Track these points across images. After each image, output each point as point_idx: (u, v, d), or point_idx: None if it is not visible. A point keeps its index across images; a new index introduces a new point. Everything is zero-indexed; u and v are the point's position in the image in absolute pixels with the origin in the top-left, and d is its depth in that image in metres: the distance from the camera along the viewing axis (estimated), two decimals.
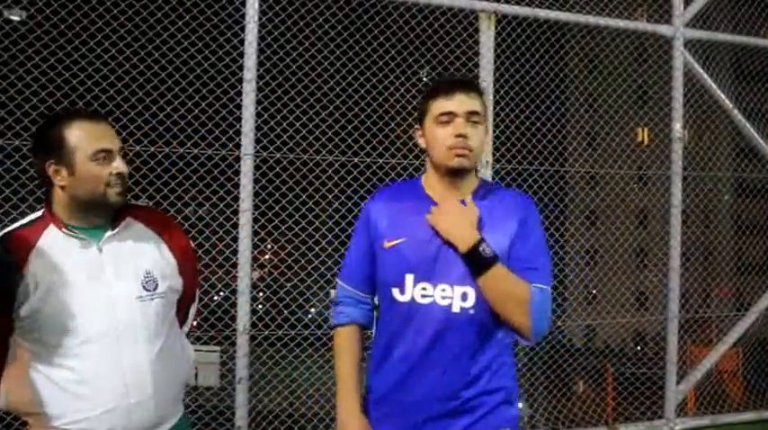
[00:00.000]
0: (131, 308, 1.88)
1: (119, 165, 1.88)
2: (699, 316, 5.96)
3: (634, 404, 5.94)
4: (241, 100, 3.91)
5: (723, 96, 5.09)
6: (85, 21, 4.11)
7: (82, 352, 1.83)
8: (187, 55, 4.33)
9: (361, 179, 4.52)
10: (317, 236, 5.05)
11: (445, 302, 1.90)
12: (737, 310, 5.50)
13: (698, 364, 5.02)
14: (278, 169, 4.63)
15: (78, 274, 1.85)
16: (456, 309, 1.90)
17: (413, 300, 1.92)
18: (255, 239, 4.09)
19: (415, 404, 1.93)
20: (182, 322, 2.11)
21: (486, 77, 4.40)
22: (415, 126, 2.05)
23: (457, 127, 1.92)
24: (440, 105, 1.94)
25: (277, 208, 4.66)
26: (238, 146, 3.92)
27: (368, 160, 4.42)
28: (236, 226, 3.90)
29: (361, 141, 4.65)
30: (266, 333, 4.28)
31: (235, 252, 3.90)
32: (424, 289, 1.92)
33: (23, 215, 2.00)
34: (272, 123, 4.60)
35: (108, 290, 1.87)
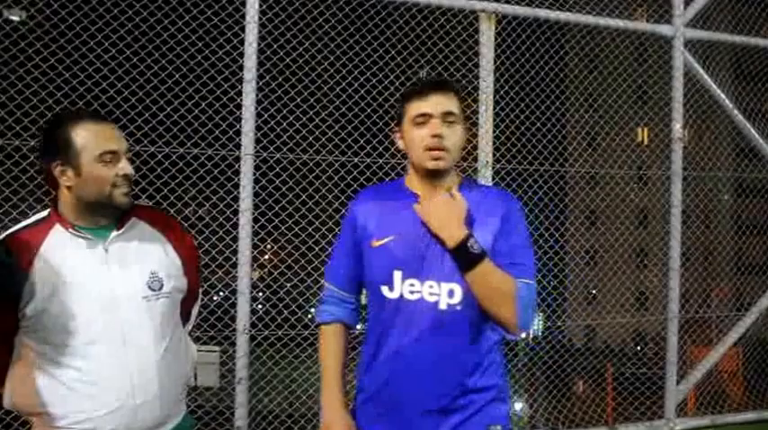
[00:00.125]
0: (137, 308, 1.90)
1: (125, 166, 1.89)
2: (699, 316, 5.96)
3: (634, 404, 5.94)
4: (241, 100, 3.91)
5: (723, 96, 5.09)
6: (85, 21, 4.11)
7: (88, 351, 1.84)
8: (187, 55, 4.33)
9: (361, 179, 4.52)
10: (316, 236, 5.05)
11: (433, 299, 1.92)
12: (737, 310, 5.50)
13: (698, 364, 5.02)
14: (278, 169, 4.63)
15: (84, 274, 1.86)
16: (443, 305, 1.92)
17: (401, 296, 1.94)
18: (255, 239, 4.09)
19: (405, 402, 1.94)
20: (184, 321, 2.12)
21: (486, 77, 4.40)
22: (395, 128, 2.07)
23: (432, 127, 1.94)
24: (415, 107, 1.96)
25: (277, 208, 4.66)
26: (238, 146, 3.92)
27: (368, 160, 4.42)
28: (236, 226, 3.90)
29: (361, 141, 4.65)
30: (266, 333, 4.28)
31: (235, 252, 3.90)
32: (412, 285, 1.93)
33: (23, 215, 2.01)
34: (272, 123, 4.60)
35: (114, 290, 1.88)
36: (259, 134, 4.02)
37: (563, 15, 4.68)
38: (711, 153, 6.24)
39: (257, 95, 3.94)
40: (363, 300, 2.13)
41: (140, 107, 4.24)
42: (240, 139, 3.91)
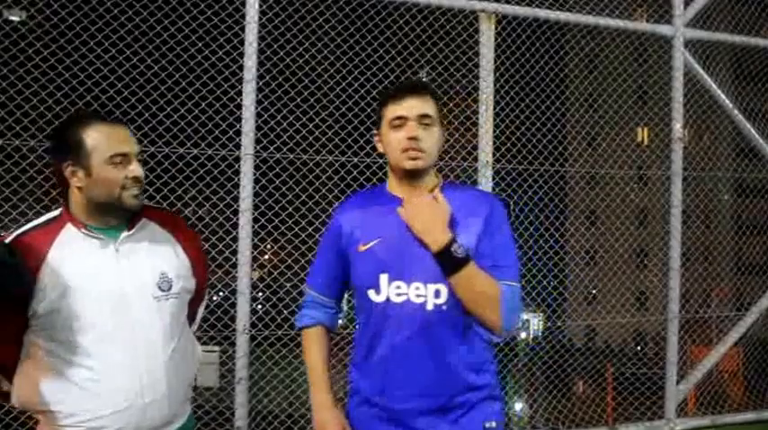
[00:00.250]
0: (148, 307, 1.91)
1: (135, 168, 1.90)
2: (699, 316, 5.96)
3: (634, 404, 5.94)
4: (241, 100, 3.91)
5: (723, 96, 5.09)
6: (86, 21, 4.11)
7: (98, 350, 1.85)
8: (187, 55, 4.33)
9: (361, 179, 4.52)
10: (317, 236, 5.05)
11: (419, 300, 1.94)
12: (737, 310, 5.50)
13: (698, 364, 5.02)
14: (278, 169, 4.62)
15: (95, 274, 1.87)
16: (430, 306, 1.94)
17: (388, 299, 1.96)
18: (255, 239, 4.09)
19: (400, 403, 1.96)
20: (190, 322, 2.14)
21: (486, 77, 4.40)
22: (374, 132, 2.09)
23: (409, 130, 1.96)
24: (392, 110, 1.99)
25: (277, 208, 4.65)
26: (238, 146, 3.92)
27: (368, 160, 4.42)
28: (236, 226, 3.90)
29: (361, 141, 4.65)
30: (266, 333, 4.28)
31: (235, 252, 3.89)
32: (398, 287, 1.95)
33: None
34: (272, 123, 4.60)
35: (124, 289, 1.89)
36: (259, 134, 4.02)
37: (563, 15, 4.68)
38: (711, 153, 6.24)
39: (257, 95, 3.93)
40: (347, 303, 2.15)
41: (140, 107, 4.24)
42: (240, 139, 3.91)
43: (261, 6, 3.98)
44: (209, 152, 4.11)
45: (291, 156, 4.56)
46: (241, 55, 3.95)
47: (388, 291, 1.95)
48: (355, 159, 4.44)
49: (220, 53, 4.39)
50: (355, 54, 4.82)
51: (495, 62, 4.43)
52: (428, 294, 1.93)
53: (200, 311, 2.23)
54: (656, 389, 5.35)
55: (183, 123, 4.28)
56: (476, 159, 4.42)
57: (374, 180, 4.50)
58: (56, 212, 1.95)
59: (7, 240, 1.88)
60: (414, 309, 1.94)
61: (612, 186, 6.16)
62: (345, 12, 4.96)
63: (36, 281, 1.83)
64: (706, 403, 5.32)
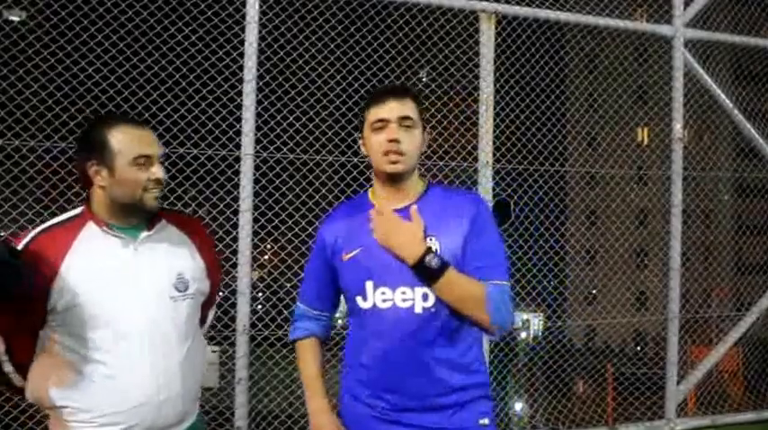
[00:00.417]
0: (165, 307, 1.95)
1: (157, 171, 1.95)
2: (699, 316, 5.96)
3: (634, 404, 5.94)
4: (241, 100, 3.91)
5: (723, 96, 5.09)
6: (85, 21, 4.11)
7: (115, 347, 1.88)
8: (187, 55, 4.33)
9: (361, 179, 4.52)
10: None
11: (406, 304, 1.96)
12: (738, 310, 5.49)
13: (698, 364, 5.02)
14: (278, 169, 4.62)
15: (115, 272, 1.91)
16: (418, 309, 1.96)
17: (374, 305, 1.99)
18: (255, 239, 4.09)
19: (390, 403, 1.98)
20: (201, 324, 2.18)
21: (486, 77, 4.40)
22: (358, 136, 2.13)
23: (389, 132, 1.99)
24: (374, 113, 2.03)
25: (277, 208, 4.65)
26: (238, 146, 3.92)
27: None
28: (236, 226, 3.90)
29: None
30: (266, 333, 4.28)
31: (235, 252, 3.89)
32: (383, 293, 1.98)
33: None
34: (272, 123, 4.60)
35: (142, 288, 1.93)
36: (259, 134, 4.02)
37: (563, 15, 4.68)
38: (711, 153, 6.24)
39: (257, 95, 3.93)
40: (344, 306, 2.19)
41: (140, 107, 4.24)
42: (240, 139, 3.91)
43: (261, 6, 3.98)
44: (210, 152, 4.11)
45: (291, 157, 4.56)
46: (241, 55, 3.95)
47: (374, 297, 1.99)
48: (355, 159, 4.44)
49: (220, 53, 4.39)
50: (355, 54, 4.82)
51: (495, 62, 4.43)
52: (416, 298, 1.96)
53: (211, 314, 2.27)
54: (656, 390, 5.35)
55: (183, 123, 4.28)
56: (476, 159, 4.42)
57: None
58: (77, 210, 1.99)
59: (29, 236, 1.91)
60: (401, 314, 1.96)
61: (612, 186, 6.16)
62: (345, 12, 4.96)
63: (51, 279, 1.85)
64: (706, 403, 5.32)
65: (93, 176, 1.93)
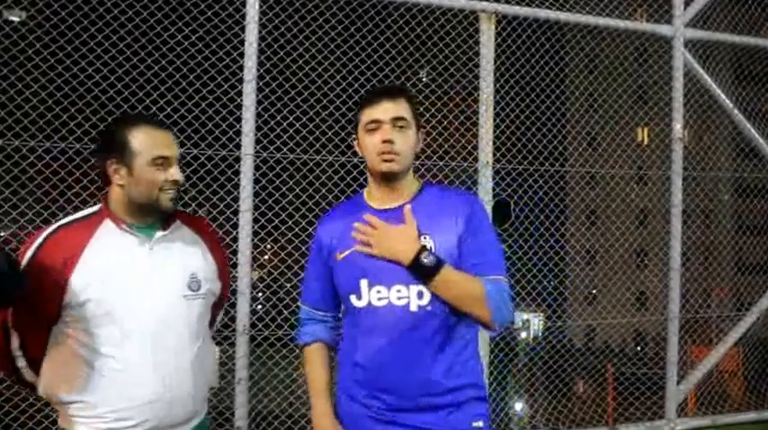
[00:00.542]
0: (178, 305, 1.98)
1: (175, 172, 1.99)
2: (699, 316, 5.96)
3: (635, 404, 5.93)
4: (241, 100, 3.91)
5: (723, 96, 5.09)
6: (85, 21, 4.11)
7: (129, 344, 1.90)
8: (187, 55, 4.33)
9: (361, 179, 4.52)
10: None
11: (401, 302, 1.97)
12: (738, 310, 5.49)
13: (698, 364, 5.02)
14: (278, 169, 4.62)
15: (130, 269, 1.94)
16: (414, 307, 1.97)
17: (369, 304, 1.99)
18: (255, 239, 4.09)
19: (386, 403, 1.98)
20: (209, 325, 2.20)
21: (486, 77, 4.40)
22: (353, 136, 2.14)
23: (383, 133, 2.00)
24: (368, 114, 2.04)
25: (277, 208, 4.65)
26: (238, 146, 3.92)
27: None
28: (236, 226, 3.90)
29: None
30: (266, 333, 4.28)
31: (235, 252, 3.89)
32: (379, 292, 1.98)
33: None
34: (272, 123, 4.60)
35: (157, 286, 1.96)
36: (259, 134, 4.02)
37: (563, 15, 4.68)
38: (711, 153, 6.24)
39: (257, 95, 3.93)
40: None
41: (140, 107, 4.24)
42: (240, 139, 3.91)
43: (261, 6, 3.98)
44: (210, 152, 4.11)
45: (291, 157, 4.55)
46: (241, 55, 3.95)
47: (369, 295, 1.99)
48: (355, 159, 4.43)
49: (220, 53, 4.39)
50: (355, 54, 4.82)
51: (495, 62, 4.43)
52: (411, 295, 1.96)
53: (219, 317, 2.29)
54: (656, 390, 5.35)
55: (183, 123, 4.27)
56: (476, 159, 4.42)
57: None
58: (95, 208, 2.04)
59: (47, 232, 1.94)
60: (396, 312, 1.96)
61: (612, 186, 6.16)
62: (345, 12, 4.95)
63: (67, 275, 1.89)
64: (706, 403, 5.32)
65: (112, 175, 1.97)
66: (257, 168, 3.97)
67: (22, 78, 4.23)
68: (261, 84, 4.07)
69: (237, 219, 3.88)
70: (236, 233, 3.88)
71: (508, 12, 4.55)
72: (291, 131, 4.64)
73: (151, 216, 2.00)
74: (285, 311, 4.53)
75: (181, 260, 2.02)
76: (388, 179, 2.05)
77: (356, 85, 4.78)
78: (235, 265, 3.87)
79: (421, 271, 1.94)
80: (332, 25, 5.24)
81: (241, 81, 3.92)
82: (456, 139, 5.42)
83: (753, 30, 5.60)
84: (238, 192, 3.89)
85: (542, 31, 4.97)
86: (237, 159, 3.92)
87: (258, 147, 3.99)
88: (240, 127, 3.91)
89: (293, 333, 4.42)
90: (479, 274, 1.97)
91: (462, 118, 5.48)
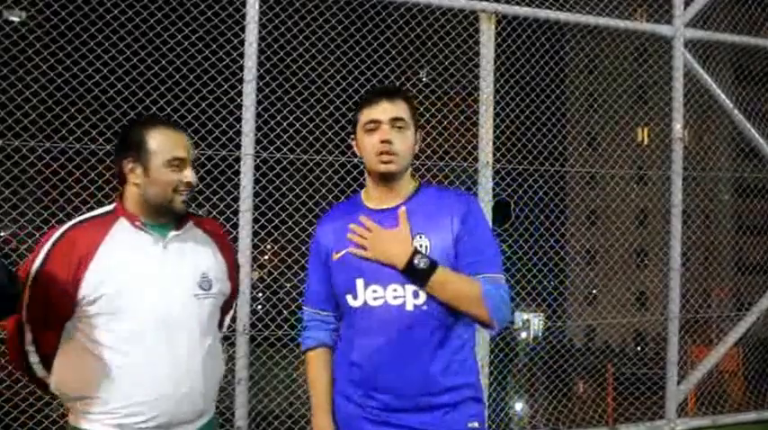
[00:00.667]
0: (189, 304, 2.01)
1: (189, 174, 2.02)
2: (699, 316, 5.96)
3: (635, 404, 5.93)
4: (241, 100, 3.91)
5: (723, 96, 5.09)
6: (86, 21, 4.11)
7: (141, 340, 1.93)
8: (187, 55, 4.33)
9: (361, 179, 4.51)
10: None
11: (397, 302, 1.97)
12: (738, 310, 5.49)
13: (698, 364, 5.02)
14: (278, 169, 4.62)
15: (143, 267, 1.97)
16: (410, 307, 1.97)
17: (365, 303, 2.00)
18: (255, 239, 4.09)
19: (382, 404, 1.98)
20: (218, 327, 2.23)
21: (486, 77, 4.40)
22: (351, 137, 2.15)
23: (382, 133, 2.01)
24: (366, 114, 2.05)
25: (277, 208, 4.65)
26: (238, 146, 3.92)
27: None
28: (236, 226, 3.90)
29: None
30: (266, 333, 4.28)
31: (235, 252, 3.88)
32: (374, 291, 1.99)
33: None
34: (272, 123, 4.60)
35: (169, 284, 1.99)
36: (259, 134, 4.02)
37: (563, 15, 4.68)
38: (711, 153, 6.24)
39: (257, 95, 3.93)
40: None
41: (140, 107, 4.24)
42: (240, 139, 3.91)
43: (261, 6, 3.98)
44: (210, 152, 4.11)
45: (291, 157, 4.55)
46: (241, 55, 3.95)
47: (365, 295, 2.00)
48: (355, 159, 4.43)
49: (220, 53, 4.39)
50: (355, 54, 4.81)
51: (495, 62, 4.43)
52: (407, 295, 1.97)
53: (227, 319, 2.32)
54: (656, 390, 5.35)
55: (183, 123, 4.27)
56: (476, 159, 4.42)
57: None
58: (110, 207, 2.07)
59: (62, 229, 1.97)
60: (392, 311, 1.97)
61: (613, 186, 6.16)
62: (345, 12, 4.95)
63: (82, 271, 1.91)
64: (706, 403, 5.32)
65: (128, 174, 2.01)
66: (257, 168, 3.97)
67: (22, 78, 4.23)
68: (261, 84, 4.08)
69: (237, 219, 3.88)
70: (237, 233, 3.88)
71: (508, 12, 4.55)
72: (291, 131, 4.64)
73: (165, 216, 2.04)
74: (285, 311, 4.53)
75: (193, 259, 2.05)
76: (386, 179, 2.06)
77: (356, 85, 4.78)
78: None
79: (415, 274, 1.94)
80: (332, 25, 5.24)
81: (241, 81, 3.92)
82: (456, 139, 5.42)
83: (753, 30, 5.60)
84: (238, 192, 3.89)
85: (542, 31, 4.97)
86: (237, 159, 3.92)
87: (258, 148, 3.99)
88: (240, 127, 3.91)
89: (293, 333, 4.42)
90: (476, 273, 1.98)
91: (462, 118, 5.48)
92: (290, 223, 4.76)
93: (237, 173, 3.91)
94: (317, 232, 2.16)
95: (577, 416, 5.34)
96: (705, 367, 4.97)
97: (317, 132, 5.38)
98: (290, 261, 5.39)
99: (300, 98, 5.04)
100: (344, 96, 4.82)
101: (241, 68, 3.92)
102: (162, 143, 1.99)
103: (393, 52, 4.93)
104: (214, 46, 4.39)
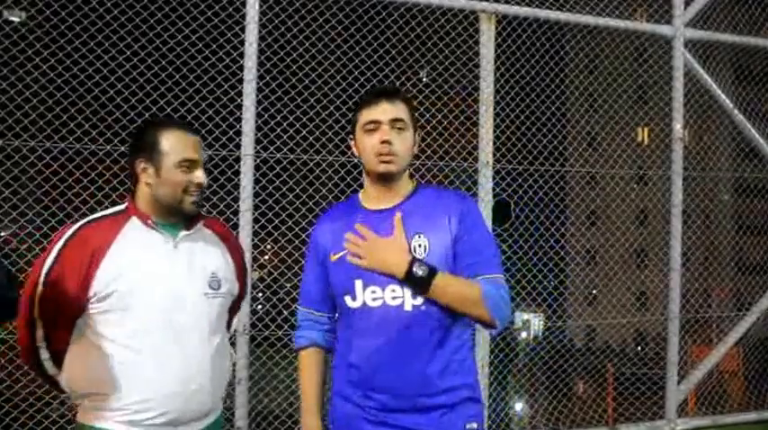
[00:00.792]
0: (199, 302, 2.04)
1: (199, 175, 2.06)
2: (699, 316, 5.96)
3: (635, 404, 5.93)
4: (241, 100, 3.91)
5: (723, 96, 5.09)
6: (85, 21, 4.11)
7: (151, 337, 1.95)
8: (187, 55, 4.33)
9: (361, 179, 4.51)
10: None
11: (396, 302, 1.97)
12: (738, 310, 5.49)
13: (699, 364, 5.02)
14: (278, 169, 4.62)
15: (154, 266, 2.00)
16: (408, 307, 1.97)
17: (364, 304, 2.00)
18: (255, 239, 4.09)
19: (380, 404, 1.98)
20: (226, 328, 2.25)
21: (486, 77, 4.40)
22: (350, 137, 2.16)
23: (382, 134, 2.02)
24: (366, 115, 2.05)
25: (277, 208, 4.65)
26: (238, 146, 3.92)
27: None
28: (236, 226, 3.90)
29: None
30: (266, 333, 4.28)
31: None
32: (373, 292, 1.99)
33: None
34: (272, 123, 4.60)
35: (179, 283, 2.01)
36: (259, 134, 4.02)
37: (563, 15, 4.68)
38: (711, 153, 6.24)
39: (257, 95, 3.94)
40: None
41: (140, 107, 4.24)
42: (240, 139, 3.91)
43: (261, 6, 3.98)
44: (209, 152, 4.11)
45: (292, 157, 4.55)
46: (241, 55, 3.95)
47: (364, 296, 2.00)
48: (355, 159, 4.43)
49: (220, 53, 4.39)
50: (355, 54, 4.82)
51: (495, 62, 4.43)
52: (405, 295, 1.97)
53: (234, 321, 2.35)
54: (656, 390, 5.34)
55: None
56: (476, 159, 4.42)
57: None
58: (121, 206, 2.11)
59: (73, 228, 2.00)
60: (391, 312, 1.97)
61: (613, 186, 6.16)
62: (345, 12, 4.95)
63: (94, 268, 1.94)
64: (707, 403, 5.32)
65: (140, 173, 2.05)
66: (257, 168, 3.97)
67: (22, 78, 4.23)
68: (261, 84, 4.08)
69: (237, 219, 3.88)
70: (237, 233, 3.88)
71: (508, 12, 4.55)
72: (291, 131, 4.64)
73: (175, 216, 2.07)
74: (285, 311, 4.53)
75: (202, 259, 2.08)
76: (385, 180, 2.06)
77: (356, 85, 4.78)
78: None
79: (415, 282, 1.94)
80: (332, 25, 5.24)
81: (241, 81, 3.92)
82: (456, 139, 5.42)
83: (753, 30, 5.60)
84: (238, 192, 3.89)
85: (542, 31, 4.97)
86: (237, 159, 3.92)
87: (258, 148, 3.99)
88: (240, 127, 3.91)
89: (293, 333, 4.41)
90: (475, 273, 1.98)
91: (462, 118, 5.48)
92: (290, 223, 4.76)
93: (237, 173, 3.91)
94: (314, 232, 2.17)
95: (577, 416, 5.34)
96: (705, 367, 4.97)
97: (317, 132, 5.38)
98: (290, 261, 5.39)
99: (300, 98, 5.04)
100: (344, 96, 4.82)
101: (241, 68, 3.92)
102: (174, 144, 2.02)
103: (393, 52, 4.93)
104: (214, 46, 4.39)
